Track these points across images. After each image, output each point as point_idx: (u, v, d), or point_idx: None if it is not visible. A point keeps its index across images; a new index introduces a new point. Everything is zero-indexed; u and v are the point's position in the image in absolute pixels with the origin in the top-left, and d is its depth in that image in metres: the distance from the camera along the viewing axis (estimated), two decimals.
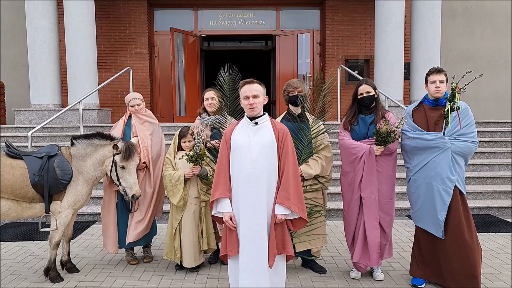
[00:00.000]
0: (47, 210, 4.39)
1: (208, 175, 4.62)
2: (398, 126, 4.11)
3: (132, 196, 4.53)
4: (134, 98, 4.89)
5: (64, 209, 4.44)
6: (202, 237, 4.70)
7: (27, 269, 4.92)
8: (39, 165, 4.34)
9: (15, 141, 9.13)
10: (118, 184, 4.56)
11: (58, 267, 4.81)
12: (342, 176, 4.52)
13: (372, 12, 11.95)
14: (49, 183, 4.32)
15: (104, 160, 4.56)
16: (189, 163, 4.44)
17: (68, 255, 4.80)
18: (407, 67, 11.47)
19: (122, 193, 4.61)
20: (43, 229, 4.53)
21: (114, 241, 4.94)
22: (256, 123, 3.43)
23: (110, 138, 4.58)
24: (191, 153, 4.41)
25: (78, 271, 4.80)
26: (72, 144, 4.55)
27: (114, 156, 4.51)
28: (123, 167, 4.51)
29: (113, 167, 4.52)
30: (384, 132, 4.09)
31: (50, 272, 4.52)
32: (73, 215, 4.61)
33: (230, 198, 3.42)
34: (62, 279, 4.54)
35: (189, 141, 4.70)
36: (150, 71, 12.39)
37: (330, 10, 12.23)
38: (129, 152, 4.50)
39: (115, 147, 4.47)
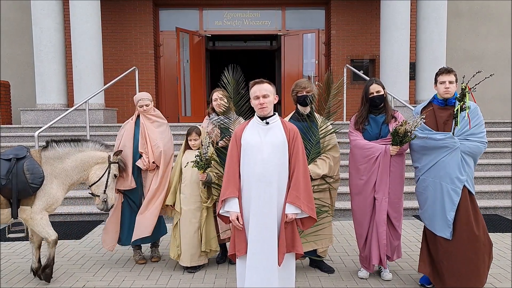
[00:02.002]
0: (15, 216, 4.16)
1: (213, 179, 4.64)
2: (416, 126, 4.07)
3: (112, 206, 4.55)
4: (143, 98, 4.89)
5: (37, 213, 4.22)
6: (201, 239, 4.70)
7: None
8: (7, 168, 4.09)
9: (21, 141, 9.16)
10: (102, 191, 4.48)
11: (29, 274, 4.70)
12: (354, 177, 4.46)
13: (377, 12, 11.94)
14: (18, 187, 4.08)
15: (91, 166, 4.45)
16: (198, 169, 4.45)
17: (39, 261, 4.58)
18: (413, 67, 11.46)
19: (99, 202, 4.51)
20: (10, 235, 4.34)
21: (112, 238, 4.92)
22: (267, 123, 3.43)
23: (104, 145, 4.53)
24: (197, 159, 4.40)
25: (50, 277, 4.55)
26: (47, 146, 4.35)
27: (110, 164, 4.48)
28: (115, 176, 4.52)
29: (106, 175, 4.47)
30: (402, 133, 4.07)
31: (47, 270, 4.39)
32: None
33: (239, 198, 3.42)
34: (51, 277, 4.46)
35: (195, 139, 4.73)
36: (155, 71, 12.42)
37: (336, 10, 12.23)
38: (124, 163, 4.58)
39: (118, 153, 4.47)
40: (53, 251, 4.39)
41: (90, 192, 4.56)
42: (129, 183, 4.81)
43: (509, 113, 13.16)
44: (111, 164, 4.51)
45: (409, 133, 4.07)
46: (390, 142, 4.22)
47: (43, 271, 4.41)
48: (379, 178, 4.27)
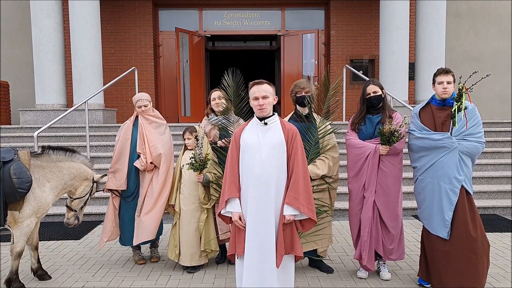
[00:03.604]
0: (2, 222, 4.00)
1: (211, 179, 4.64)
2: (402, 126, 4.12)
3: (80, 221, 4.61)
4: (141, 99, 4.89)
5: (26, 218, 4.08)
6: (201, 240, 4.70)
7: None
8: None
9: (21, 141, 9.17)
10: (80, 207, 4.53)
11: (30, 274, 4.64)
12: (348, 176, 4.54)
13: (377, 12, 11.95)
14: (5, 192, 3.92)
15: (82, 179, 4.45)
16: (194, 171, 4.47)
17: (38, 262, 4.55)
18: (412, 67, 11.48)
19: (72, 217, 4.52)
20: (4, 243, 4.25)
21: (103, 234, 4.93)
22: (266, 124, 3.43)
23: (91, 162, 4.60)
24: (192, 160, 4.42)
25: (50, 277, 4.60)
26: (43, 151, 4.27)
27: (94, 183, 4.53)
28: (91, 195, 4.59)
29: (89, 193, 4.54)
30: (387, 132, 4.11)
31: (13, 284, 4.21)
32: (36, 223, 4.35)
33: (239, 198, 3.43)
34: None
35: (188, 138, 4.77)
36: (155, 71, 12.42)
37: (335, 10, 12.25)
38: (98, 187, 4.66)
39: (103, 176, 4.54)
40: (16, 264, 4.23)
41: (68, 205, 4.50)
42: (122, 184, 4.84)
43: (508, 113, 13.17)
44: (94, 183, 4.56)
45: (395, 133, 4.10)
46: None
47: (9, 287, 4.20)
48: (368, 177, 4.32)
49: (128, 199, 4.88)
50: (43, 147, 4.32)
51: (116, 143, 4.96)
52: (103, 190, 4.83)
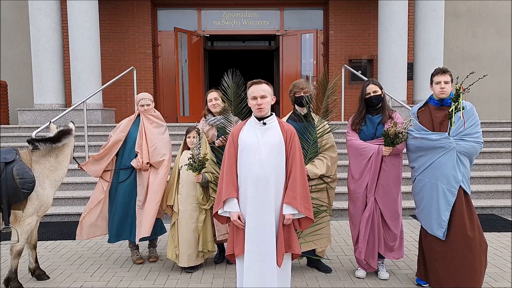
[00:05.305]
0: (6, 222, 3.97)
1: (209, 179, 4.64)
2: (406, 127, 4.12)
3: None
4: (144, 98, 4.92)
5: (27, 216, 4.08)
6: (199, 240, 4.69)
7: None
8: None
9: (19, 141, 9.16)
10: None
11: (28, 274, 4.59)
12: (349, 177, 4.52)
13: (375, 13, 11.95)
14: (8, 192, 3.89)
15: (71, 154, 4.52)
16: (193, 172, 4.47)
17: (36, 261, 4.52)
18: (411, 67, 11.50)
19: None
20: (4, 242, 4.22)
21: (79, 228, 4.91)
22: (265, 123, 3.43)
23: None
24: (191, 161, 4.41)
25: (48, 277, 4.57)
26: (36, 147, 4.21)
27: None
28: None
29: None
30: (392, 134, 4.10)
31: (11, 283, 4.16)
32: (36, 221, 4.31)
33: (237, 198, 3.42)
34: None
35: (193, 137, 4.74)
36: (153, 71, 12.42)
37: (334, 10, 12.25)
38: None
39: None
40: (16, 263, 4.20)
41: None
42: (98, 172, 4.89)
43: (506, 113, 13.18)
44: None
45: (400, 135, 4.10)
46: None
47: (8, 286, 4.15)
48: (372, 178, 4.32)
49: (129, 200, 4.88)
50: (28, 141, 4.25)
51: (109, 136, 4.96)
52: (78, 164, 4.82)
